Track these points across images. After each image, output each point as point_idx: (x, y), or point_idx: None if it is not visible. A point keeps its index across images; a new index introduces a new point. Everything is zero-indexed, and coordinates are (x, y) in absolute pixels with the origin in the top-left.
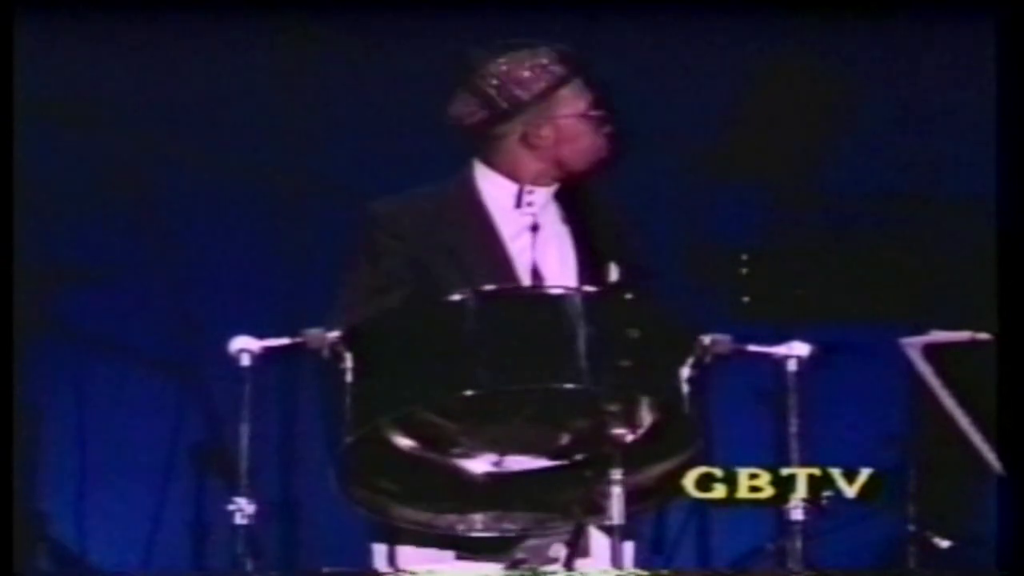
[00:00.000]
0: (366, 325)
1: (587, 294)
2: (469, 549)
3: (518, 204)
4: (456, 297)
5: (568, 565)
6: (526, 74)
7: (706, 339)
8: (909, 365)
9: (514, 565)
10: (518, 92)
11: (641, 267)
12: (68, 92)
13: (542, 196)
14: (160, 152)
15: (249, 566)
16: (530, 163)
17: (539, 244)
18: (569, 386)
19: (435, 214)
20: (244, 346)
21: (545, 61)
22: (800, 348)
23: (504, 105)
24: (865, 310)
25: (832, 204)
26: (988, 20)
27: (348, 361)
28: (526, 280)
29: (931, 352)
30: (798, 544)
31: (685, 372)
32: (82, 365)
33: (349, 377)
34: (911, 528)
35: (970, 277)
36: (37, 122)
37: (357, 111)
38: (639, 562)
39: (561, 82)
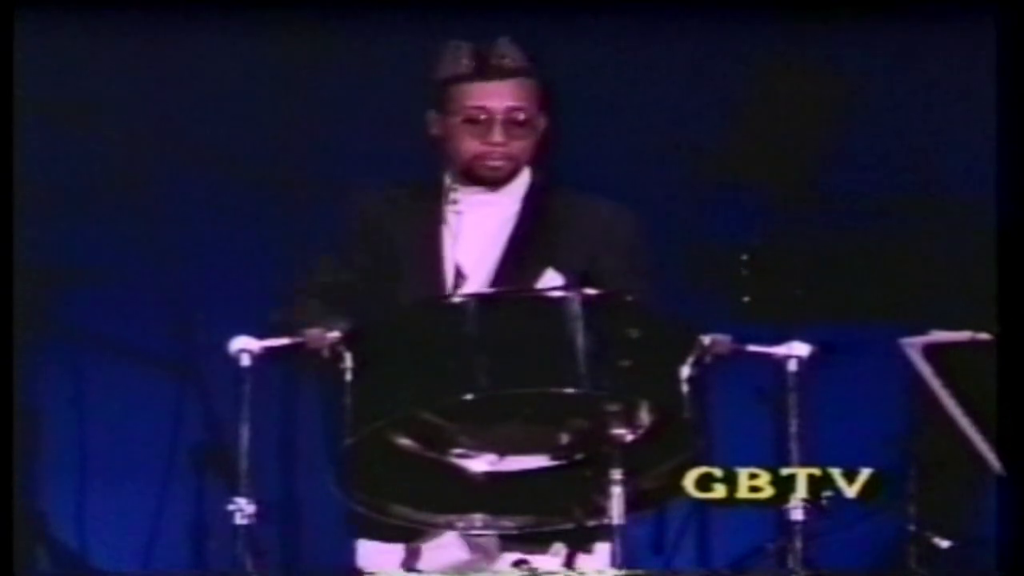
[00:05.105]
0: (366, 325)
1: (586, 296)
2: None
3: (444, 201)
4: (457, 299)
5: (568, 565)
6: (442, 61)
7: (706, 339)
8: (909, 365)
9: (515, 565)
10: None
11: (587, 274)
12: (68, 92)
13: (466, 194)
14: (160, 152)
15: (249, 566)
16: (450, 158)
17: (463, 244)
18: (569, 391)
19: (401, 210)
20: (244, 346)
21: (469, 53)
22: (800, 348)
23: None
24: (865, 310)
25: (832, 204)
26: (988, 20)
27: (348, 361)
28: (449, 281)
29: (931, 352)
30: (798, 544)
31: (685, 372)
32: (82, 365)
33: (349, 377)
34: (911, 528)
35: (970, 277)
36: (37, 122)
37: (359, 110)
38: (636, 562)
39: (458, 79)
